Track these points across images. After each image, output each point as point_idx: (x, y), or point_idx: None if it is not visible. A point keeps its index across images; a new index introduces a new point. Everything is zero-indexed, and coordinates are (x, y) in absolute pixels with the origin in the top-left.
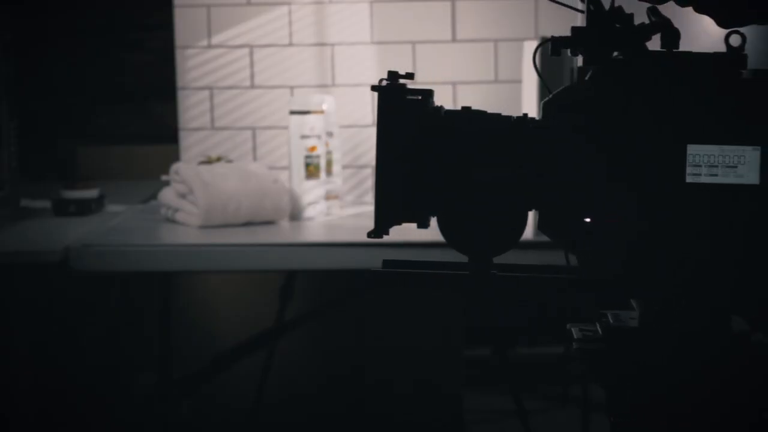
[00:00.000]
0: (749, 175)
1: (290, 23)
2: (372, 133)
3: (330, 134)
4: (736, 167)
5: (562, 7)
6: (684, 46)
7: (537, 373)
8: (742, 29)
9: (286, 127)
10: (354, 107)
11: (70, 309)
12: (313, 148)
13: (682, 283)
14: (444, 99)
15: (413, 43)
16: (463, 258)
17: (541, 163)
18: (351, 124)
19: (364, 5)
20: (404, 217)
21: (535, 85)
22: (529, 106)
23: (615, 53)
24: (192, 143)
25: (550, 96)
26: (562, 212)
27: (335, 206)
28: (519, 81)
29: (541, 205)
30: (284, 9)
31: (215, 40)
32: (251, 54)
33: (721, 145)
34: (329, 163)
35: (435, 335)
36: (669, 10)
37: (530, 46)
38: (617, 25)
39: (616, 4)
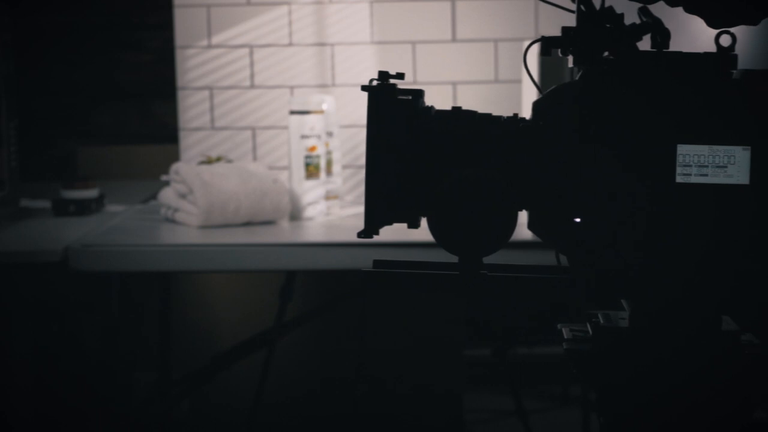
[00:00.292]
0: (739, 175)
1: (290, 23)
2: None
3: (330, 134)
4: (726, 167)
5: (569, 7)
6: (675, 46)
7: (537, 373)
8: (732, 29)
9: (286, 127)
10: (354, 107)
11: (70, 309)
12: (313, 148)
13: (672, 283)
14: (444, 99)
15: (413, 43)
16: (455, 258)
17: (531, 163)
18: (351, 124)
19: (364, 5)
20: (394, 217)
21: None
22: (529, 106)
23: (605, 53)
24: (192, 143)
25: (541, 96)
26: (552, 212)
27: (335, 206)
28: (519, 81)
29: (532, 205)
30: (284, 9)
31: (215, 40)
32: (251, 54)
33: (711, 145)
34: (329, 163)
35: (435, 335)
36: (661, 10)
37: (536, 46)
38: (608, 25)
39: (606, 4)
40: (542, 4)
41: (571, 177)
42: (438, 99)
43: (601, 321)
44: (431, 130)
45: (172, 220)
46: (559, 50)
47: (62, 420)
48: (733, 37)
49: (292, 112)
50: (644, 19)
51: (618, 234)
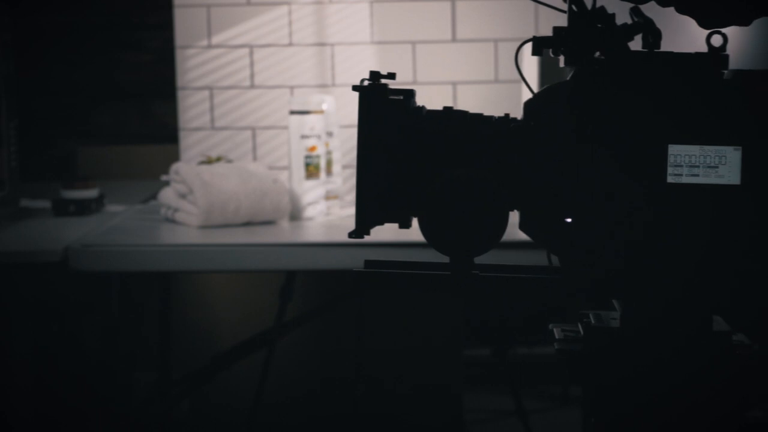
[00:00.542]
0: (730, 176)
1: (290, 23)
2: None
3: (330, 134)
4: (717, 167)
5: (562, 7)
6: (668, 46)
7: (537, 373)
8: (723, 30)
9: (286, 127)
10: (354, 107)
11: (70, 309)
12: (313, 148)
13: (663, 283)
14: (444, 99)
15: (413, 43)
16: (448, 258)
17: (522, 163)
18: (351, 124)
19: (364, 5)
20: (386, 218)
21: (535, 85)
22: None
23: (597, 53)
24: (192, 143)
25: (532, 96)
26: (544, 212)
27: (335, 206)
28: (519, 81)
29: (523, 205)
30: (284, 9)
31: (215, 40)
32: (251, 54)
33: (702, 146)
34: (329, 163)
35: (435, 335)
36: (654, 10)
37: (530, 46)
38: (599, 25)
39: (598, 4)
40: (564, 3)
41: (563, 177)
42: (438, 99)
43: (593, 321)
44: (423, 130)
45: (172, 220)
46: (551, 50)
47: (62, 420)
48: (725, 37)
49: (292, 112)
50: (636, 19)
51: (609, 234)
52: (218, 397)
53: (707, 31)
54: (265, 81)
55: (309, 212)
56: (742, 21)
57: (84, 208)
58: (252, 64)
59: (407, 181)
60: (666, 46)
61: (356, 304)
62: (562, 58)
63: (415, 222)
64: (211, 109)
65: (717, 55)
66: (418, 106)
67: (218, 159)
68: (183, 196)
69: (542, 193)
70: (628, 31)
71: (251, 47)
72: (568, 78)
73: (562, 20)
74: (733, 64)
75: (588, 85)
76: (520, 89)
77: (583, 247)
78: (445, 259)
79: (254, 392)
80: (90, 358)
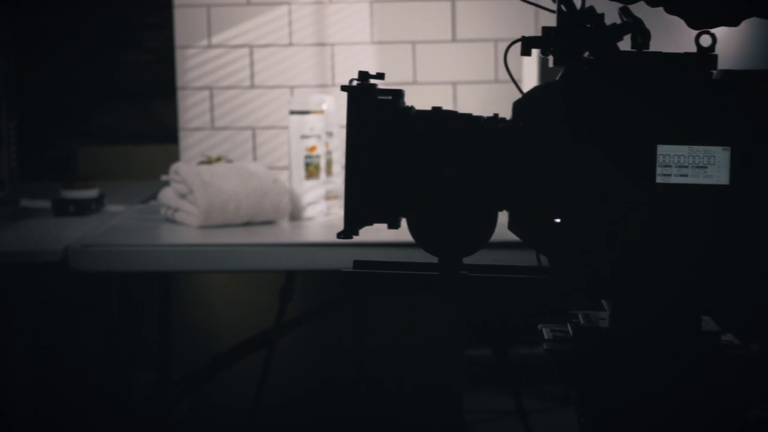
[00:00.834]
0: (719, 176)
1: (290, 23)
2: None
3: (330, 134)
4: (706, 167)
5: (551, 7)
6: (657, 46)
7: (537, 373)
8: (712, 30)
9: (286, 127)
10: None
11: (70, 309)
12: (313, 148)
13: (652, 284)
14: (444, 99)
15: (413, 43)
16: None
17: (511, 163)
18: None
19: (364, 5)
20: (374, 218)
21: (535, 85)
22: None
23: (586, 53)
24: (192, 143)
25: (521, 96)
26: (533, 212)
27: (335, 206)
28: (519, 81)
29: (512, 205)
30: (284, 9)
31: (215, 40)
32: (251, 54)
33: (691, 146)
34: (329, 163)
35: (436, 335)
36: (645, 10)
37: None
38: (588, 25)
39: (587, 4)
40: (554, 3)
41: (552, 177)
42: (438, 99)
43: (582, 321)
44: (411, 130)
45: (172, 220)
46: (540, 50)
47: (62, 420)
48: (713, 37)
49: (292, 112)
50: (625, 19)
51: (598, 234)
52: (218, 397)
53: (696, 32)
54: (265, 81)
55: (309, 212)
56: (731, 21)
57: (84, 208)
58: (252, 64)
59: (396, 181)
60: (655, 46)
61: (357, 304)
62: (551, 58)
63: (400, 222)
64: (211, 109)
65: (706, 55)
66: (407, 106)
67: (218, 159)
68: (183, 196)
69: (531, 193)
70: (618, 31)
71: (251, 47)
72: (557, 78)
73: None
74: (733, 64)
75: (576, 86)
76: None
77: (572, 247)
78: (436, 260)
79: (254, 392)
80: (90, 358)
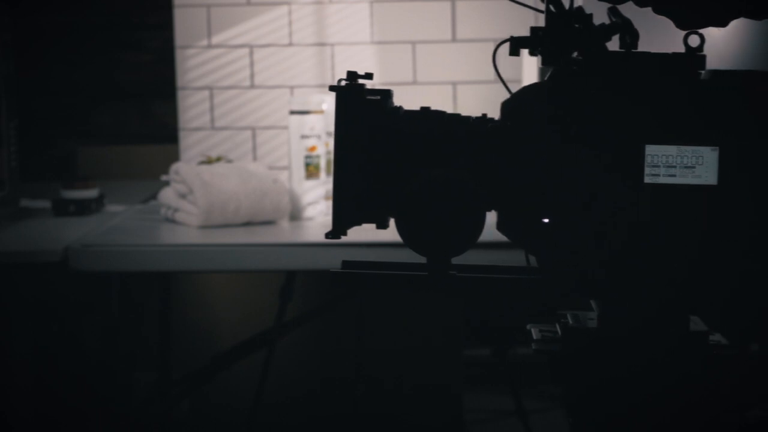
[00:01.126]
0: (707, 176)
1: (290, 23)
2: None
3: (330, 134)
4: (694, 168)
5: (531, 7)
6: (645, 46)
7: (537, 373)
8: (700, 30)
9: (286, 127)
10: None
11: (70, 309)
12: (312, 148)
13: (640, 284)
14: (444, 99)
15: (413, 43)
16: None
17: (500, 163)
18: None
19: (364, 5)
20: (363, 218)
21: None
22: None
23: (574, 53)
24: (192, 143)
25: (509, 96)
26: (521, 213)
27: None
28: (519, 81)
29: (501, 206)
30: (284, 9)
31: (215, 40)
32: (251, 54)
33: (679, 146)
34: (329, 163)
35: (435, 335)
36: (631, 10)
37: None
38: (577, 26)
39: (576, 4)
40: (542, 4)
41: (541, 177)
42: (438, 99)
43: (570, 321)
44: (400, 130)
45: (172, 220)
46: (528, 50)
47: (62, 420)
48: (702, 37)
49: (292, 112)
50: (614, 20)
51: (587, 234)
52: (218, 397)
53: (684, 32)
54: (265, 81)
55: (309, 212)
56: (719, 22)
57: (84, 208)
58: (252, 64)
59: (384, 181)
60: (644, 46)
61: (356, 304)
62: (539, 59)
63: (389, 222)
64: (211, 109)
65: (694, 55)
66: (396, 106)
67: (218, 159)
68: (183, 196)
69: (520, 194)
70: (606, 32)
71: (251, 47)
72: (545, 78)
73: None
74: (733, 64)
75: (565, 86)
76: None
77: (561, 247)
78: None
79: (254, 392)
80: (90, 358)
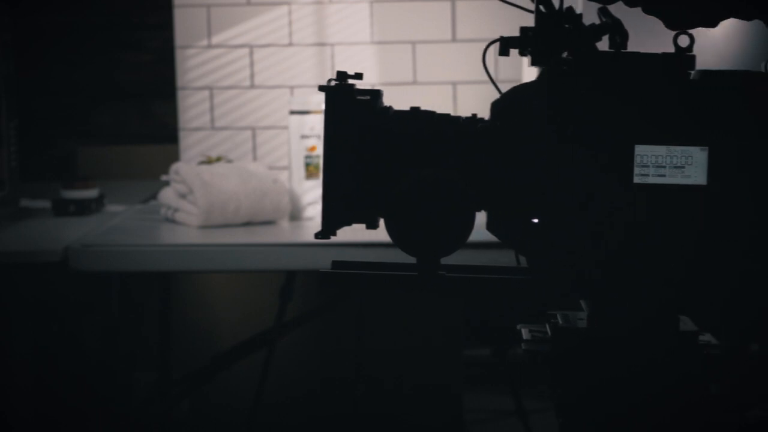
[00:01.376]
0: (696, 176)
1: (290, 23)
2: None
3: None
4: (683, 168)
5: (521, 7)
6: (637, 46)
7: (537, 373)
8: (689, 30)
9: (286, 127)
10: None
11: (70, 309)
12: (313, 148)
13: (630, 284)
14: (444, 99)
15: (413, 43)
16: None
17: (489, 163)
18: None
19: (364, 5)
20: (353, 218)
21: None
22: None
23: (564, 53)
24: (192, 143)
25: (499, 96)
26: (511, 213)
27: None
28: (519, 81)
29: (490, 206)
30: (284, 9)
31: (215, 40)
32: (251, 54)
33: (669, 146)
34: None
35: (435, 335)
36: (621, 10)
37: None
38: (567, 26)
39: (566, 5)
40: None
41: (529, 177)
42: (438, 99)
43: (560, 321)
44: (389, 131)
45: (172, 220)
46: (518, 50)
47: (62, 420)
48: (691, 37)
49: (292, 112)
50: (604, 20)
51: (576, 234)
52: (218, 397)
53: (674, 32)
54: (265, 81)
55: (309, 212)
56: (708, 23)
57: (84, 208)
58: (252, 64)
59: (373, 181)
60: (633, 46)
61: (356, 304)
62: (529, 59)
63: (379, 222)
64: (211, 109)
65: (683, 55)
66: (385, 107)
67: (218, 159)
68: (183, 196)
69: (509, 194)
70: (596, 32)
71: (251, 47)
72: (535, 78)
73: None
74: (733, 64)
75: (554, 86)
76: None
77: (550, 247)
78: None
79: (254, 392)
80: (90, 358)
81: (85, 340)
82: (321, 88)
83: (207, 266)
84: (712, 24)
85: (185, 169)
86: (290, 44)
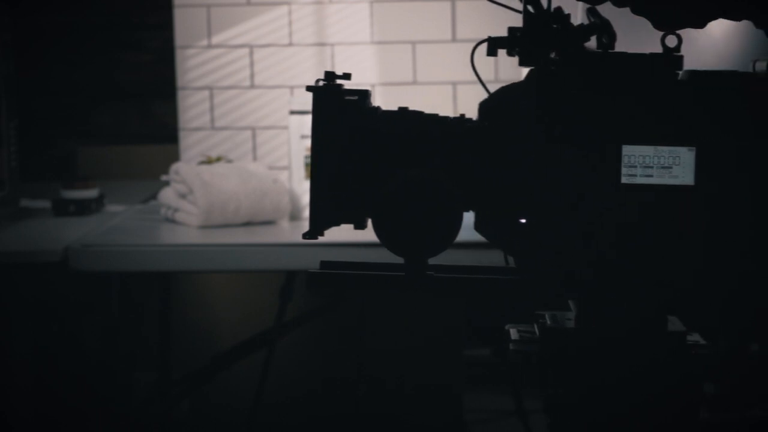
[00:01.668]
0: (684, 176)
1: (290, 23)
2: None
3: None
4: (671, 168)
5: (509, 7)
6: (626, 46)
7: (536, 373)
8: (677, 30)
9: (286, 127)
10: None
11: (70, 309)
12: None
13: (617, 284)
14: (444, 99)
15: (413, 43)
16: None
17: (476, 163)
18: None
19: (364, 5)
20: (340, 218)
21: None
22: None
23: (552, 54)
24: (192, 143)
25: (487, 96)
26: (498, 213)
27: None
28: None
29: (478, 206)
30: (284, 9)
31: (215, 40)
32: (251, 54)
33: (656, 146)
34: None
35: (436, 335)
36: (611, 10)
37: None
38: (555, 26)
39: (555, 5)
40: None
41: (517, 177)
42: (438, 99)
43: (548, 322)
44: (377, 131)
45: (172, 220)
46: (506, 50)
47: (62, 420)
48: (679, 38)
49: (292, 112)
50: (592, 20)
51: (563, 235)
52: (218, 397)
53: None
54: (265, 81)
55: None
56: (696, 23)
57: (84, 208)
58: (252, 64)
59: (361, 181)
60: (622, 46)
61: (357, 304)
62: (516, 59)
63: (366, 222)
64: (211, 109)
65: (671, 55)
66: (373, 107)
67: (218, 159)
68: (183, 196)
69: (497, 194)
70: (584, 32)
71: (251, 47)
72: (523, 78)
73: None
74: (733, 64)
75: (542, 86)
76: None
77: (538, 247)
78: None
79: (254, 392)
80: (90, 358)
81: (85, 340)
82: (308, 89)
83: (207, 266)
84: (701, 24)
85: (185, 169)
86: (290, 44)
